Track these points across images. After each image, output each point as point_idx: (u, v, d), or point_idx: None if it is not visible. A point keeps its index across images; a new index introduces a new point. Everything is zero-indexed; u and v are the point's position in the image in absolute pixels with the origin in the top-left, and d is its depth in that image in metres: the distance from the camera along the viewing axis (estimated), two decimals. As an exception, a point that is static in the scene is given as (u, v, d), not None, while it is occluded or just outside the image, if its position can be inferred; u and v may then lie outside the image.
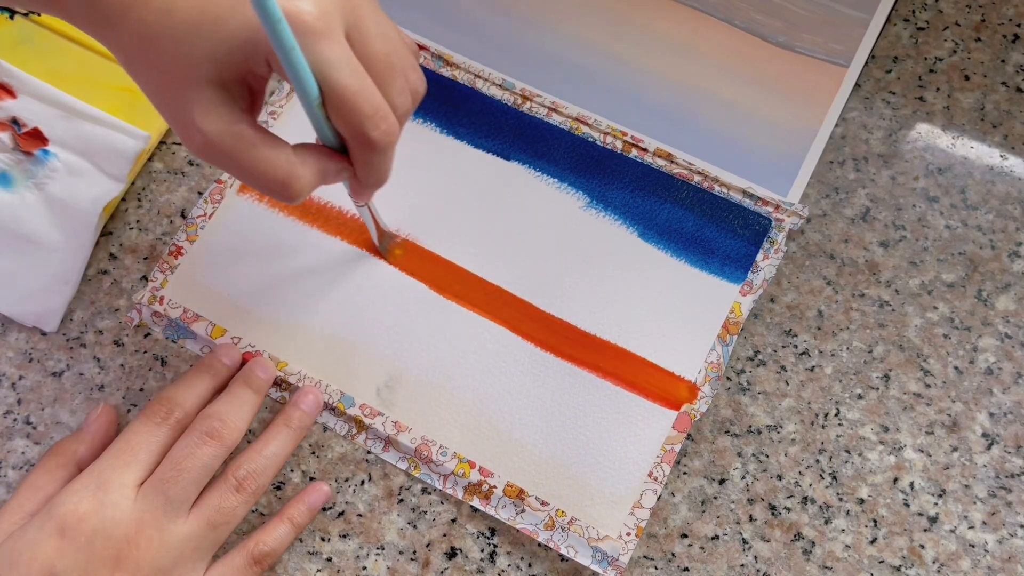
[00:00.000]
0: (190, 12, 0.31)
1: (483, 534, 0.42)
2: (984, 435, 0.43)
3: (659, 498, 0.42)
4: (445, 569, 0.41)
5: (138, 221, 0.47)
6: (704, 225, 0.46)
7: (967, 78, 0.48)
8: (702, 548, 0.42)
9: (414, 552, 0.42)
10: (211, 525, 0.39)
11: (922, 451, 0.43)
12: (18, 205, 0.45)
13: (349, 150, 0.33)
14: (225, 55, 0.31)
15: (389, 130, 0.32)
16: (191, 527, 0.39)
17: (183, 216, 0.47)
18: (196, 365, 0.43)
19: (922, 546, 0.41)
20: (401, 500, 0.42)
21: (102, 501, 0.38)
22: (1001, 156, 0.47)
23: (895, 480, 0.42)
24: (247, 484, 0.40)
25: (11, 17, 0.48)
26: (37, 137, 0.46)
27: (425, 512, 0.42)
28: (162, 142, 0.48)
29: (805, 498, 0.42)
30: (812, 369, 0.44)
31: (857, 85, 0.48)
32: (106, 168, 0.46)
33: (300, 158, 0.33)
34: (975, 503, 0.42)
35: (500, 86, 0.48)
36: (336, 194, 0.47)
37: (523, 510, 0.41)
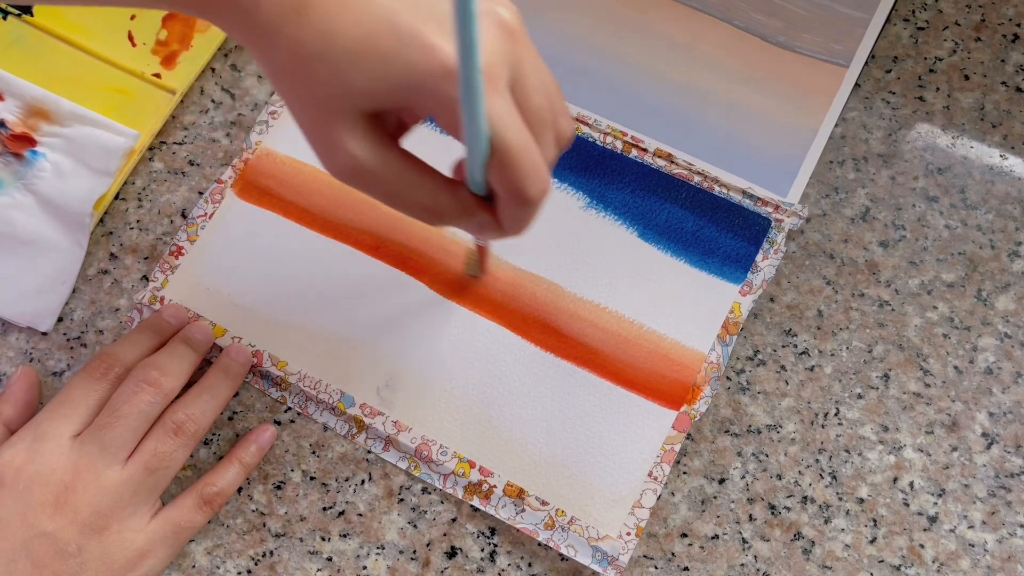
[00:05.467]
0: (352, 41, 0.29)
1: (483, 533, 0.42)
2: (984, 435, 0.43)
3: (659, 497, 0.42)
4: (445, 568, 0.41)
5: (139, 221, 0.47)
6: (704, 225, 0.46)
7: (967, 78, 0.48)
8: (702, 547, 0.42)
9: (414, 552, 0.42)
10: (148, 470, 0.40)
11: (922, 451, 0.43)
12: (8, 207, 0.45)
13: (498, 201, 0.32)
14: (384, 93, 0.30)
15: (545, 188, 0.32)
16: (129, 472, 0.39)
17: (184, 216, 0.47)
18: (140, 323, 0.44)
19: (922, 545, 0.41)
20: (401, 500, 0.42)
21: (38, 451, 0.39)
22: (1001, 156, 0.47)
23: (895, 480, 0.42)
24: (185, 427, 0.41)
25: (4, 18, 0.48)
26: (25, 138, 0.46)
27: (425, 512, 0.42)
28: (162, 142, 0.48)
29: (805, 498, 0.42)
30: (812, 369, 0.44)
31: (857, 85, 0.48)
32: (94, 165, 0.45)
33: (449, 189, 0.33)
34: (975, 503, 0.42)
35: (500, 86, 0.48)
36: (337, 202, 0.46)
37: (523, 509, 0.41)
